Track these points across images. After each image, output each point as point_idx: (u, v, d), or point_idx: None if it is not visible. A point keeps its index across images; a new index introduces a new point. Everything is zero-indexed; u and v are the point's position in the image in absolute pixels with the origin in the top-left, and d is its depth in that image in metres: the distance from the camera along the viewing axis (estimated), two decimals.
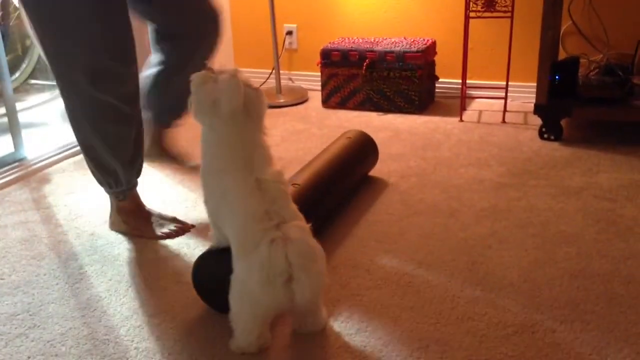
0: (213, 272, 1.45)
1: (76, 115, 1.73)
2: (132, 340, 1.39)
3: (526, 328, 1.37)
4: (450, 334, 1.36)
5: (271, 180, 1.29)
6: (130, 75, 1.72)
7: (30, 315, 1.50)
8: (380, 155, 2.33)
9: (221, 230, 1.39)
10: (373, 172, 2.23)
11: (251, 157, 1.30)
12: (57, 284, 1.63)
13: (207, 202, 1.40)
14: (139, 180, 1.88)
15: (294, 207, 1.31)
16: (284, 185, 1.31)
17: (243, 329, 1.29)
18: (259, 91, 1.35)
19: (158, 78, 1.96)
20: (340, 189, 1.91)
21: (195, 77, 1.32)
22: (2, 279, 1.67)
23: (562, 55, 2.81)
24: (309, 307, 1.34)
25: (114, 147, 1.76)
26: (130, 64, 1.71)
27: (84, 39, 1.61)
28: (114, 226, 1.91)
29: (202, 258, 1.47)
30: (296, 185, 1.72)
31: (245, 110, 1.30)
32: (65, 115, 1.75)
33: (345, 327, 1.40)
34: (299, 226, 1.24)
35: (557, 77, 2.45)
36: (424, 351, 1.31)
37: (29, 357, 1.35)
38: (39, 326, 1.46)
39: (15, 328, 1.46)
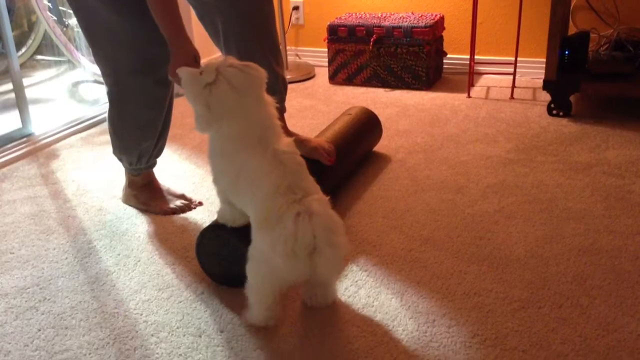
0: (215, 247, 1.46)
1: (113, 97, 1.76)
2: (141, 314, 1.41)
3: (533, 303, 1.37)
4: (456, 309, 1.36)
5: (287, 151, 1.29)
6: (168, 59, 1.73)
7: (40, 288, 1.52)
8: (387, 132, 2.33)
9: (234, 207, 1.39)
10: (380, 148, 2.22)
11: (264, 132, 1.30)
12: (66, 258, 1.65)
13: (216, 181, 1.40)
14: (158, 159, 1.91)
15: (311, 178, 1.31)
16: (298, 155, 1.31)
17: (258, 300, 1.30)
18: (246, 67, 1.30)
19: None
20: (344, 164, 1.91)
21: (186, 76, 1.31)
22: (11, 253, 1.68)
23: (572, 30, 2.78)
24: (327, 280, 1.35)
25: (143, 129, 1.78)
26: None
27: (123, 45, 1.64)
28: (125, 199, 1.93)
29: (204, 234, 1.48)
30: None
31: (239, 93, 1.28)
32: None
33: (352, 301, 1.41)
34: (321, 199, 1.24)
35: (566, 52, 2.42)
36: (431, 326, 1.32)
37: (39, 330, 1.37)
38: (48, 299, 1.47)
39: (26, 301, 1.47)
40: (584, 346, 1.24)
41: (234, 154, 1.31)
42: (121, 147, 1.83)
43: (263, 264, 1.25)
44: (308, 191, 1.25)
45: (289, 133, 1.78)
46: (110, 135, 1.83)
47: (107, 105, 1.79)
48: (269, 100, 1.33)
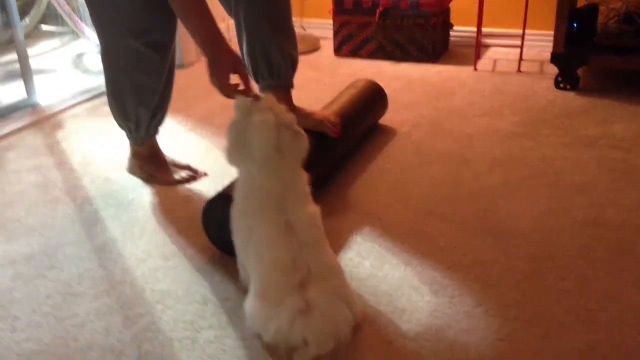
0: (221, 216, 1.46)
1: (109, 59, 1.74)
2: (147, 282, 1.42)
3: (536, 275, 1.38)
4: (460, 280, 1.37)
5: (304, 223, 1.16)
6: (169, 27, 1.72)
7: (47, 256, 1.53)
8: (393, 105, 2.32)
9: (246, 270, 1.27)
10: (385, 121, 2.22)
11: (283, 198, 1.17)
12: (72, 227, 1.66)
13: (235, 239, 1.28)
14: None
15: (329, 253, 1.18)
16: (317, 229, 1.18)
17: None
18: (298, 135, 1.21)
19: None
20: (350, 137, 1.91)
21: (238, 106, 1.22)
22: (18, 222, 1.69)
23: (580, 2, 2.74)
24: None
25: (139, 95, 1.76)
26: (170, 16, 1.70)
27: (120, 8, 1.62)
28: (129, 169, 1.93)
29: (211, 202, 1.49)
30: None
31: (279, 151, 1.17)
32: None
33: (357, 272, 1.42)
34: (328, 290, 1.10)
35: (575, 24, 2.40)
36: (434, 296, 1.33)
37: (47, 296, 1.38)
38: (56, 267, 1.49)
39: (34, 268, 1.49)
40: (587, 317, 1.25)
41: (247, 215, 1.21)
42: (119, 112, 1.81)
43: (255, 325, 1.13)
44: (314, 270, 1.11)
45: (294, 107, 1.77)
46: (108, 100, 1.82)
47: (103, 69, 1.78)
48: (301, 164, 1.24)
